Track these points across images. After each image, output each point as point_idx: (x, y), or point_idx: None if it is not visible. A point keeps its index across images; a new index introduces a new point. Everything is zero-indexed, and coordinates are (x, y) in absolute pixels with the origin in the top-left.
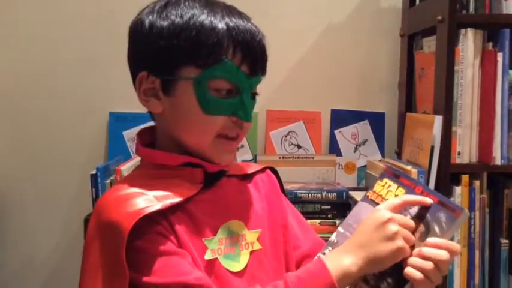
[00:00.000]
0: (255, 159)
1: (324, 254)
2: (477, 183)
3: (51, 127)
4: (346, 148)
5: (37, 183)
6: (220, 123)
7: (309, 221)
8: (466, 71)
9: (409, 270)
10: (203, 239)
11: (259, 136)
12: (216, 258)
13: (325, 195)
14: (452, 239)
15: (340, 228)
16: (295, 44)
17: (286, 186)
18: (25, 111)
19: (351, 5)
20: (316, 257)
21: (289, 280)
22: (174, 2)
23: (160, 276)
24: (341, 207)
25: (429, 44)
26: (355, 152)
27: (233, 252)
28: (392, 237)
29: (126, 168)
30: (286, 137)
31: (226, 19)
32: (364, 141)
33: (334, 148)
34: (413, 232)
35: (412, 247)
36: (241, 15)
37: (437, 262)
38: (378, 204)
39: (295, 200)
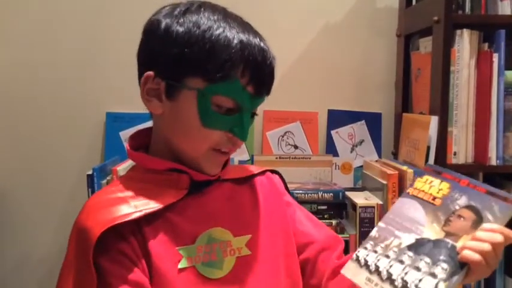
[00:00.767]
0: (251, 160)
1: (366, 248)
2: None
3: (48, 127)
4: (343, 148)
5: (33, 183)
6: (216, 137)
7: None
8: (462, 71)
9: (466, 253)
10: (178, 248)
11: (256, 136)
12: (193, 266)
13: (322, 195)
14: None
15: (381, 224)
16: (292, 44)
17: None
18: (22, 111)
19: (347, 5)
20: (357, 251)
21: None
22: (194, 10)
23: None
24: (337, 207)
25: (425, 45)
26: (351, 152)
27: (214, 259)
28: None
29: (122, 168)
30: (283, 137)
31: (241, 36)
32: (361, 142)
33: (330, 148)
34: (464, 221)
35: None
36: (256, 34)
37: (493, 245)
38: (421, 199)
39: None
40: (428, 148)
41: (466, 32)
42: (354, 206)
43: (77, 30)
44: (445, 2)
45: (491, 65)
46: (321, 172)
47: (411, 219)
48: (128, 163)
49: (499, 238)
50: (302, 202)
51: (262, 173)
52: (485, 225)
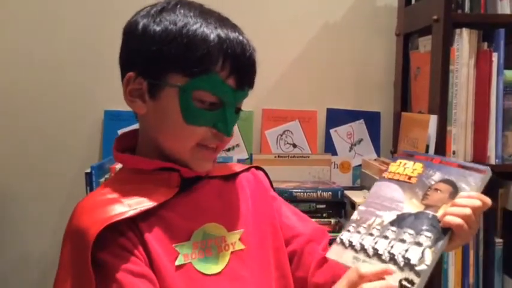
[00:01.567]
0: (250, 158)
1: (349, 231)
2: None
3: (46, 125)
4: (342, 147)
5: (32, 181)
6: (200, 133)
7: None
8: (461, 70)
9: (448, 218)
10: (174, 245)
11: (254, 135)
12: (190, 263)
13: (321, 194)
14: None
15: (361, 207)
16: (291, 43)
17: (282, 185)
18: (20, 109)
19: (347, 4)
20: (340, 235)
21: None
22: (170, 8)
23: None
24: (336, 206)
25: (424, 44)
26: (350, 151)
27: (210, 254)
28: None
29: (120, 166)
30: (281, 136)
31: (219, 31)
32: (360, 141)
33: (329, 147)
34: (441, 193)
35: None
36: (234, 27)
37: (473, 209)
38: (397, 180)
39: (291, 198)
40: (427, 147)
41: (465, 31)
42: (352, 204)
43: (75, 28)
44: (444, 1)
45: (490, 64)
46: (319, 171)
47: (390, 199)
48: None
49: (477, 203)
50: (301, 201)
51: (247, 169)
52: (463, 193)
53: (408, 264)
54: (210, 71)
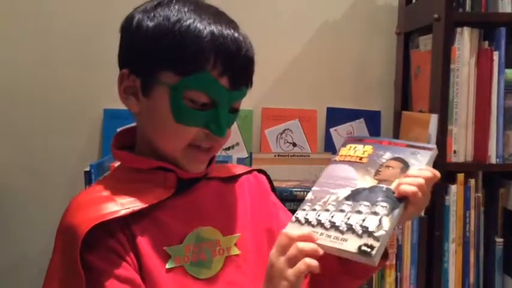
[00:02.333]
0: (250, 157)
1: (304, 209)
2: (472, 182)
3: (45, 124)
4: None
5: (30, 180)
6: (191, 133)
7: None
8: (462, 69)
9: (403, 187)
10: (165, 248)
11: (254, 134)
12: (182, 266)
13: None
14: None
15: (314, 188)
16: (291, 42)
17: (282, 185)
18: (19, 108)
19: (347, 3)
20: (295, 214)
21: None
22: (165, 3)
23: None
24: None
25: (425, 43)
26: None
27: (203, 258)
28: (294, 261)
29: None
30: (281, 135)
31: (212, 27)
32: None
33: (329, 146)
34: (393, 169)
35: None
36: (230, 23)
37: (425, 179)
38: (348, 161)
39: (291, 198)
40: None
41: (466, 30)
42: None
43: (74, 27)
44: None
45: (491, 63)
46: (319, 170)
47: (343, 178)
48: None
49: (429, 174)
50: (301, 200)
51: (249, 172)
52: (413, 167)
53: (366, 232)
54: (202, 70)
